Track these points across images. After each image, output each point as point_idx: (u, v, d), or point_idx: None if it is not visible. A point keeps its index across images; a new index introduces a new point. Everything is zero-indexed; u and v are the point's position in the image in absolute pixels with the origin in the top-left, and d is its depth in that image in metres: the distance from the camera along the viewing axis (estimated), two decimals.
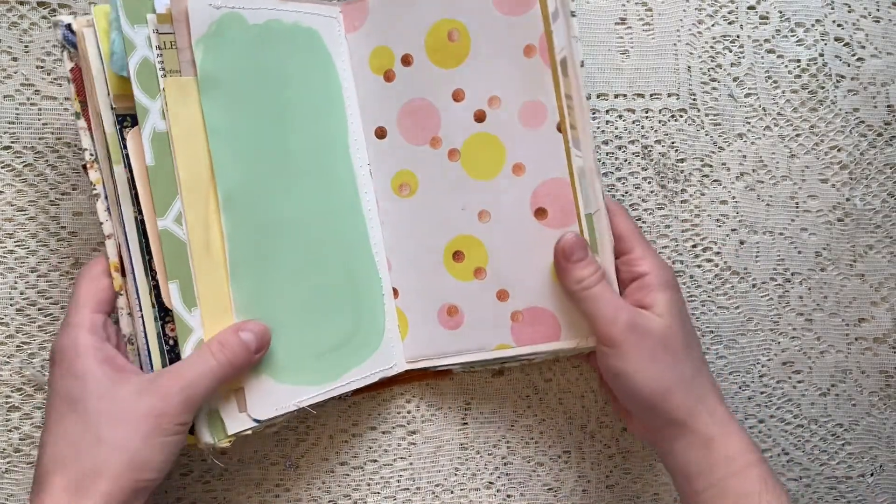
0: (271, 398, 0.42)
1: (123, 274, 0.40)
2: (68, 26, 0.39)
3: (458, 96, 0.45)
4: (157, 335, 0.41)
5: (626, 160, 0.51)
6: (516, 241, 0.45)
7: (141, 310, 0.40)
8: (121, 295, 0.41)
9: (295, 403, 0.42)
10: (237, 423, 0.41)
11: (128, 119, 0.39)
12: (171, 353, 0.40)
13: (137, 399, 0.37)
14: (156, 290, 0.40)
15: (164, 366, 0.40)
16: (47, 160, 0.45)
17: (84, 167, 0.41)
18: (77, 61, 0.40)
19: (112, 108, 0.39)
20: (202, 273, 0.40)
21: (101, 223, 0.40)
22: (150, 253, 0.40)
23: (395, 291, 0.47)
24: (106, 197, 0.40)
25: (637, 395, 0.42)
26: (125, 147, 0.40)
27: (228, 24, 0.41)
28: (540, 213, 0.45)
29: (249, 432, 0.41)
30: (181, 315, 0.39)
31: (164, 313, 0.40)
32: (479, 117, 0.45)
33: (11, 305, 0.45)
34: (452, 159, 0.46)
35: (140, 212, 0.39)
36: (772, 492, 0.41)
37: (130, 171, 0.40)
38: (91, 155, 0.40)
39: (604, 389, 0.51)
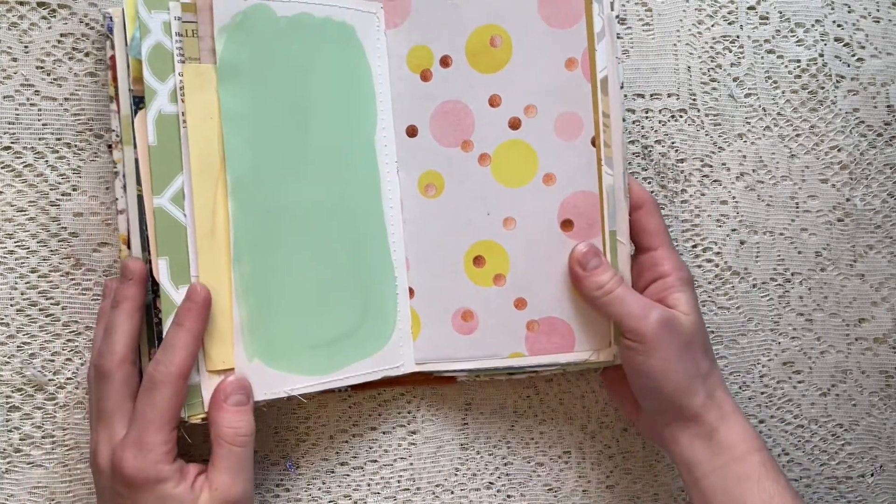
0: (262, 383, 0.42)
1: (129, 247, 0.42)
2: (111, 16, 0.42)
3: (494, 102, 0.45)
4: (147, 305, 0.42)
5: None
6: (540, 251, 0.45)
7: None
8: None
9: (286, 390, 0.42)
10: None
11: (143, 101, 0.41)
12: (158, 326, 0.41)
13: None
14: (150, 264, 0.41)
15: (149, 337, 0.41)
16: (47, 160, 0.45)
17: (109, 146, 0.45)
18: (115, 49, 0.42)
19: (130, 91, 0.41)
20: (204, 255, 0.41)
21: (116, 199, 0.43)
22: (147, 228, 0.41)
23: (411, 291, 0.47)
24: (124, 175, 0.43)
25: (660, 393, 0.43)
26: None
27: (255, 15, 0.42)
28: (566, 224, 0.45)
29: None
30: (167, 291, 0.40)
31: (157, 287, 0.41)
32: (514, 124, 0.45)
33: (12, 306, 0.45)
34: (483, 164, 0.46)
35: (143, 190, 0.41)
36: (771, 477, 0.42)
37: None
38: (117, 136, 0.43)
39: (610, 392, 0.50)
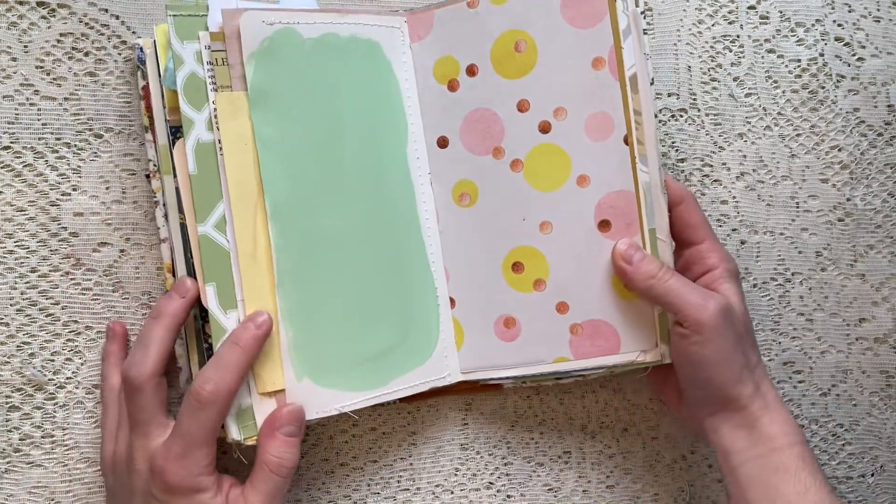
0: (312, 402, 0.42)
1: (174, 275, 0.43)
2: (141, 48, 0.43)
3: (522, 107, 0.45)
4: (195, 332, 0.43)
5: None
6: (578, 254, 0.45)
7: None
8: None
9: (336, 408, 0.43)
10: None
11: (181, 130, 0.41)
12: (209, 351, 0.42)
13: None
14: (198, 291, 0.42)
15: (199, 361, 0.42)
16: (47, 160, 0.45)
17: (147, 176, 0.45)
18: (147, 79, 0.42)
19: (167, 121, 0.42)
20: (248, 279, 0.41)
21: (158, 228, 0.44)
22: (193, 256, 0.42)
23: (452, 301, 0.47)
24: (164, 204, 0.43)
25: (711, 383, 0.43)
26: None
27: (282, 39, 0.42)
28: (603, 225, 0.45)
29: None
30: (216, 316, 0.41)
31: (205, 312, 0.42)
32: (544, 128, 0.45)
33: (11, 305, 0.45)
34: (515, 170, 0.45)
35: (185, 218, 0.42)
36: (809, 469, 0.42)
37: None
38: (154, 165, 0.43)
39: (652, 381, 0.50)
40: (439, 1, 0.47)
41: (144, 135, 0.44)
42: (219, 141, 0.41)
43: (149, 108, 0.43)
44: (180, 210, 0.42)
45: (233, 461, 0.47)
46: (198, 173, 0.41)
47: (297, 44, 0.43)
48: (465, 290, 0.47)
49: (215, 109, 0.41)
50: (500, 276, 0.46)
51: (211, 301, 0.41)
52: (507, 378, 0.47)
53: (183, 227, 0.42)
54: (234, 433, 0.41)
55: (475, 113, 0.46)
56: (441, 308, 0.47)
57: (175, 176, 0.42)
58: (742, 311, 0.44)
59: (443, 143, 0.47)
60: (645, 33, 0.43)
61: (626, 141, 0.44)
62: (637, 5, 0.43)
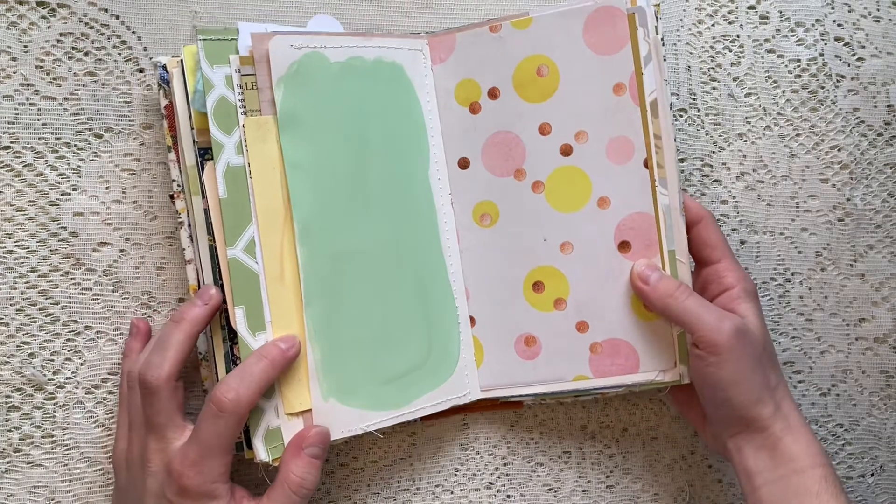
0: (338, 421, 0.43)
1: None
2: (164, 66, 0.42)
3: (544, 130, 0.46)
4: (224, 355, 0.43)
5: None
6: (599, 274, 0.46)
7: (211, 330, 0.43)
8: None
9: (362, 427, 0.43)
10: None
11: (209, 152, 0.41)
12: None
13: None
14: (225, 313, 0.42)
15: None
16: (47, 160, 0.45)
17: (171, 197, 0.45)
18: (170, 98, 0.42)
19: (195, 143, 0.42)
20: (275, 301, 0.42)
21: (184, 249, 0.44)
22: (222, 279, 0.42)
23: (472, 320, 0.47)
24: (189, 225, 0.43)
25: (730, 404, 0.42)
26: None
27: (309, 63, 0.42)
28: (623, 246, 0.45)
29: None
30: (245, 339, 0.41)
31: (233, 335, 0.42)
32: (566, 151, 0.46)
33: (11, 305, 0.45)
34: (536, 191, 0.46)
35: (214, 240, 0.42)
36: (831, 492, 0.41)
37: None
38: (178, 186, 0.43)
39: (675, 403, 0.50)
40: (461, 24, 0.47)
41: (168, 154, 0.44)
42: (248, 164, 0.41)
43: (172, 128, 0.43)
44: (209, 231, 0.42)
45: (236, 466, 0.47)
46: (227, 197, 0.41)
47: (325, 67, 0.43)
48: (485, 309, 0.47)
49: (244, 134, 0.41)
50: (520, 295, 0.47)
51: (240, 324, 0.41)
52: (527, 395, 0.47)
53: (212, 248, 0.42)
54: (263, 454, 0.41)
55: (497, 135, 0.46)
56: (461, 326, 0.47)
57: (203, 197, 0.42)
58: (760, 331, 0.44)
59: (464, 164, 0.47)
60: (665, 59, 0.44)
61: (647, 164, 0.44)
62: (657, 33, 0.44)
